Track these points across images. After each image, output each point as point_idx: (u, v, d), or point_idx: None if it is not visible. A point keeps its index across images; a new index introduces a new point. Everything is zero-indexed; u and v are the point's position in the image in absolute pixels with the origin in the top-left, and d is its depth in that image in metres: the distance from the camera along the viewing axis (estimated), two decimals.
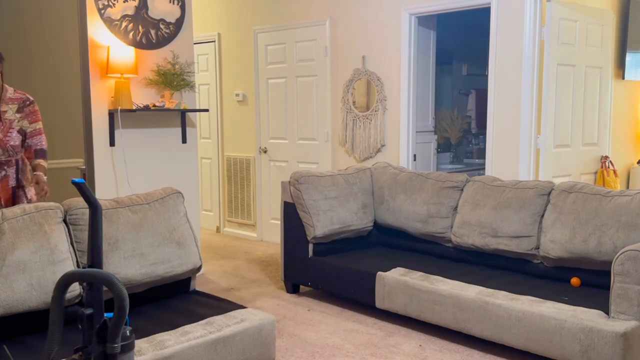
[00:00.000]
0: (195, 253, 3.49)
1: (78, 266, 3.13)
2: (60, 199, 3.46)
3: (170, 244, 3.37)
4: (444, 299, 3.63)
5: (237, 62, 6.70)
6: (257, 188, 6.62)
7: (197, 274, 5.08)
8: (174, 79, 4.79)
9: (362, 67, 5.59)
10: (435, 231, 4.37)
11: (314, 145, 6.07)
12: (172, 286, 3.50)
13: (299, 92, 6.14)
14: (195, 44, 5.24)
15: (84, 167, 4.86)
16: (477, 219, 4.10)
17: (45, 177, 3.68)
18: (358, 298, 4.19)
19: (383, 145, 5.50)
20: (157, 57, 4.79)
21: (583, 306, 3.24)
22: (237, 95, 6.71)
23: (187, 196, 5.05)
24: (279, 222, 4.84)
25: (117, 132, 4.62)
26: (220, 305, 3.28)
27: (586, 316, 3.10)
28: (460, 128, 6.77)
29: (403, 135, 5.35)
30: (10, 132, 3.61)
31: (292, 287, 4.73)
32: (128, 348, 1.80)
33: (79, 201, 3.19)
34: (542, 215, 3.86)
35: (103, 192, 4.59)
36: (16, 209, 2.99)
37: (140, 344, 2.73)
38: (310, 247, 4.51)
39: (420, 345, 3.68)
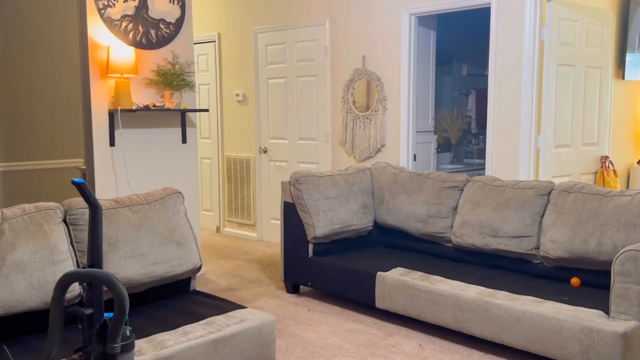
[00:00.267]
0: (195, 253, 3.49)
1: (78, 266, 3.14)
2: (61, 199, 3.47)
3: (170, 244, 3.38)
4: (444, 299, 3.63)
5: (237, 62, 6.70)
6: (257, 188, 6.62)
7: (197, 274, 5.08)
8: (174, 79, 4.79)
9: (362, 67, 5.59)
10: (435, 231, 4.37)
11: (314, 145, 6.07)
12: (172, 286, 3.50)
13: (299, 92, 6.14)
14: (195, 44, 5.24)
15: (84, 167, 4.86)
16: (477, 219, 4.10)
17: None
18: (358, 298, 4.19)
19: (383, 145, 5.50)
20: (157, 57, 4.79)
21: (583, 306, 3.24)
22: (237, 95, 6.71)
23: (187, 196, 5.05)
24: (279, 222, 4.84)
25: (117, 132, 4.62)
26: (220, 305, 3.28)
27: (586, 316, 3.10)
28: (460, 128, 6.77)
29: (403, 135, 5.35)
30: None
31: (292, 287, 4.73)
32: (128, 348, 1.80)
33: (79, 201, 3.19)
34: (542, 215, 3.86)
35: (103, 192, 4.59)
36: (16, 209, 3.00)
37: (140, 344, 2.73)
38: (310, 247, 4.51)
39: (420, 345, 3.68)
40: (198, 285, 4.81)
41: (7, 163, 5.97)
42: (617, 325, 2.99)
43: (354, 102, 5.67)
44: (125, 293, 1.68)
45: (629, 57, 5.61)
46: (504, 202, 4.01)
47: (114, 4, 4.53)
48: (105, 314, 1.82)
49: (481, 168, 6.15)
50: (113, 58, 4.41)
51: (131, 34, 4.63)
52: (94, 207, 1.96)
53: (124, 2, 4.58)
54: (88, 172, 4.70)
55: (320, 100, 5.96)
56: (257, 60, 6.47)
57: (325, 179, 4.62)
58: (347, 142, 5.73)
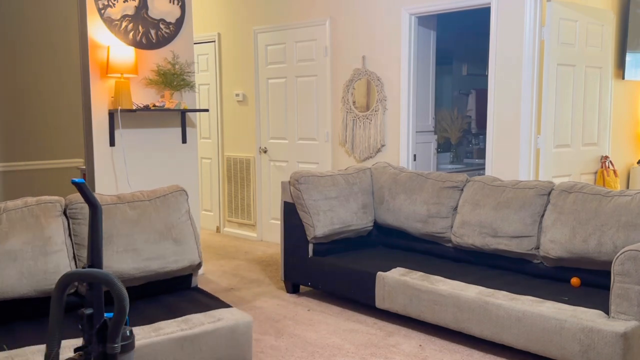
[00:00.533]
0: (194, 250, 3.50)
1: (74, 258, 3.21)
2: None
3: (166, 240, 3.40)
4: (444, 299, 3.63)
5: (237, 62, 6.70)
6: (257, 188, 6.62)
7: (198, 274, 5.08)
8: (174, 79, 4.79)
9: (362, 67, 5.59)
10: (435, 231, 4.37)
11: (314, 145, 6.07)
12: (171, 282, 3.53)
13: (299, 92, 6.14)
14: (195, 44, 5.24)
15: (84, 167, 4.86)
16: (477, 219, 4.10)
17: None
18: (358, 298, 4.19)
19: (383, 145, 5.50)
20: (157, 57, 4.79)
21: (583, 306, 3.24)
22: (237, 95, 6.71)
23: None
24: (279, 222, 4.84)
25: (117, 132, 4.62)
26: (207, 304, 3.27)
27: (586, 316, 3.10)
28: (460, 128, 6.77)
29: (403, 135, 5.35)
30: None
31: (292, 287, 4.73)
32: (128, 348, 1.80)
33: (80, 196, 3.19)
34: (542, 215, 3.86)
35: (103, 192, 4.59)
36: (18, 202, 3.12)
37: None
38: (310, 247, 4.51)
39: (420, 345, 3.68)
40: (198, 285, 4.81)
41: (7, 163, 5.97)
42: (617, 325, 2.99)
43: (354, 102, 5.67)
44: (125, 293, 1.68)
45: (629, 57, 5.61)
46: (504, 202, 4.01)
47: (114, 4, 4.53)
48: (105, 314, 1.82)
49: (481, 168, 6.15)
50: (113, 58, 4.41)
51: (131, 34, 4.63)
52: (94, 207, 1.97)
53: (124, 2, 4.58)
54: (88, 172, 4.70)
55: (320, 100, 5.96)
56: (257, 60, 6.47)
57: (325, 179, 4.62)
58: (347, 142, 5.73)
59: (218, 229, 7.19)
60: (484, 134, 5.07)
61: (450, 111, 6.80)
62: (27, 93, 6.08)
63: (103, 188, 4.61)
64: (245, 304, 4.46)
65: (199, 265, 3.59)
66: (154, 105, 4.68)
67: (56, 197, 3.24)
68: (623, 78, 5.61)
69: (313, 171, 4.71)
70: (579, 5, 4.90)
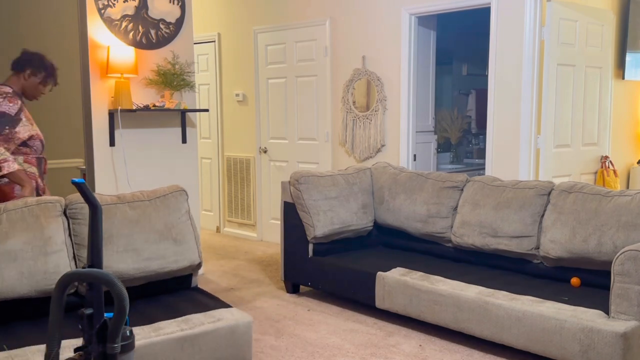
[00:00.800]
0: (194, 250, 3.50)
1: (74, 258, 3.20)
2: None
3: (166, 240, 3.40)
4: (444, 299, 3.63)
5: (237, 62, 6.70)
6: (257, 188, 6.62)
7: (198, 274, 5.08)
8: (174, 79, 4.79)
9: (362, 67, 5.59)
10: (435, 231, 4.37)
11: (314, 145, 6.07)
12: (171, 282, 3.52)
13: (299, 92, 6.14)
14: (195, 44, 5.24)
15: (84, 167, 4.86)
16: (477, 219, 4.10)
17: None
18: (358, 298, 4.19)
19: (383, 145, 5.50)
20: (157, 57, 4.79)
21: (583, 306, 3.23)
22: (237, 95, 6.71)
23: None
24: (279, 222, 4.84)
25: (117, 132, 4.62)
26: (207, 304, 3.28)
27: (586, 316, 3.10)
28: (460, 128, 6.77)
29: (403, 135, 5.35)
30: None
31: (292, 287, 4.73)
32: (128, 348, 1.80)
33: (80, 196, 3.22)
34: (542, 215, 3.86)
35: (103, 192, 4.59)
36: (19, 202, 3.12)
37: None
38: (310, 247, 4.51)
39: (420, 345, 3.68)
40: (198, 285, 4.81)
41: None
42: (617, 325, 2.99)
43: (354, 102, 5.67)
44: (125, 293, 1.68)
45: (629, 57, 5.61)
46: (504, 202, 4.01)
47: (114, 4, 4.53)
48: (105, 314, 1.82)
49: (481, 168, 6.15)
50: (113, 58, 4.41)
51: (131, 34, 4.63)
52: (94, 207, 1.97)
53: (124, 2, 4.58)
54: (88, 172, 4.70)
55: (320, 100, 5.96)
56: (257, 60, 6.47)
57: (325, 179, 4.62)
58: (347, 142, 5.73)
59: (218, 229, 7.19)
60: (484, 134, 5.06)
61: (450, 111, 6.80)
62: None
63: (103, 188, 4.61)
64: (245, 304, 4.46)
65: (199, 266, 3.58)
66: (154, 105, 4.68)
67: (56, 197, 3.24)
68: (623, 78, 5.61)
69: (313, 171, 4.71)
70: (579, 5, 4.90)
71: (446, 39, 6.26)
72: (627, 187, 5.84)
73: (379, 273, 4.01)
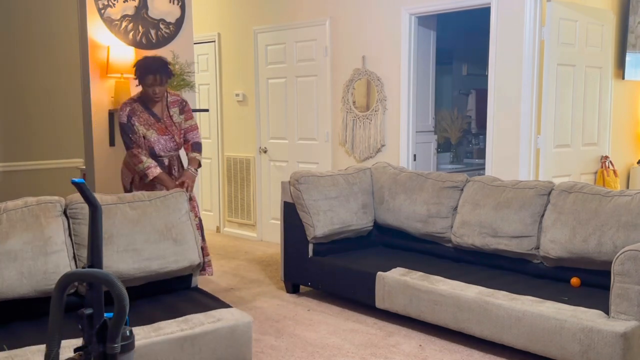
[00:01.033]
0: (194, 250, 3.50)
1: (74, 258, 3.20)
2: None
3: (166, 240, 3.40)
4: (444, 299, 3.63)
5: (237, 62, 6.70)
6: (257, 188, 6.62)
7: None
8: (174, 79, 4.78)
9: (362, 67, 5.59)
10: (435, 231, 4.37)
11: (314, 145, 6.07)
12: (171, 282, 3.52)
13: (299, 92, 6.14)
14: (195, 44, 5.24)
15: (84, 167, 4.86)
16: (477, 219, 4.10)
17: (193, 174, 4.15)
18: (358, 298, 4.19)
19: (383, 145, 5.50)
20: None
21: (583, 306, 3.23)
22: (237, 95, 6.71)
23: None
24: (279, 222, 4.83)
25: (117, 132, 4.62)
26: (207, 304, 3.28)
27: (586, 316, 3.10)
28: (460, 128, 6.77)
29: (403, 135, 5.35)
30: (182, 134, 4.13)
31: (292, 287, 4.73)
32: (128, 348, 1.80)
33: (80, 196, 3.22)
34: (542, 215, 3.86)
35: (103, 192, 4.59)
36: (19, 202, 3.14)
37: None
38: (310, 247, 4.51)
39: (420, 345, 3.68)
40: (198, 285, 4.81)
41: (7, 163, 5.97)
42: (617, 325, 2.99)
43: (354, 102, 5.66)
44: (125, 293, 1.68)
45: (629, 57, 5.60)
46: (504, 202, 4.01)
47: (114, 4, 4.53)
48: (105, 314, 1.82)
49: (481, 168, 6.15)
50: (113, 58, 4.41)
51: (131, 34, 4.63)
52: (94, 207, 1.97)
53: (124, 2, 4.58)
54: (88, 172, 4.70)
55: (320, 100, 5.96)
56: (257, 60, 6.47)
57: (325, 179, 4.62)
58: (347, 142, 5.73)
59: (218, 229, 7.19)
60: (484, 134, 5.06)
61: (450, 111, 6.79)
62: (27, 93, 6.09)
63: (103, 188, 4.60)
64: (245, 304, 4.46)
65: (199, 266, 3.60)
66: None
67: (56, 197, 3.24)
68: (623, 78, 5.61)
69: (313, 171, 4.71)
70: (579, 5, 4.90)
71: (446, 39, 6.26)
72: (627, 187, 5.84)
73: (379, 273, 4.01)
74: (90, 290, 1.82)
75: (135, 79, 3.99)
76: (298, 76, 6.13)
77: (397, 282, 3.89)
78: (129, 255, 3.27)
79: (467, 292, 3.56)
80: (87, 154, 4.67)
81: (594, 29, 5.03)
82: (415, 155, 5.42)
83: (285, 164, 6.35)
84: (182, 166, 4.26)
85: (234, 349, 3.03)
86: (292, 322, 4.10)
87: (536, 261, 3.88)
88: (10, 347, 2.68)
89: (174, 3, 4.86)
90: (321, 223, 4.45)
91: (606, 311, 3.15)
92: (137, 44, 4.66)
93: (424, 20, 5.35)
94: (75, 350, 1.82)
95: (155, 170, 4.00)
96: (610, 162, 5.25)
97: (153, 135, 4.01)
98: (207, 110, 5.45)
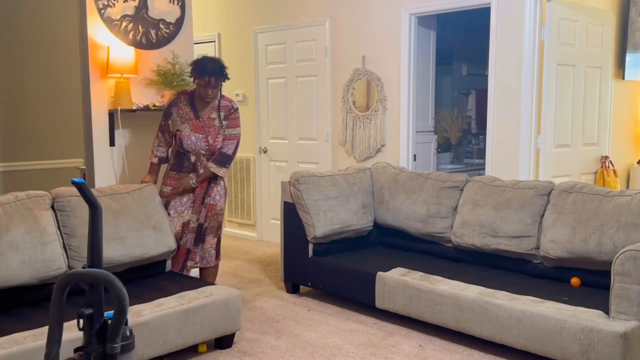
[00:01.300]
0: (169, 237, 3.89)
1: (64, 248, 3.44)
2: None
3: (147, 228, 3.76)
4: (444, 299, 3.63)
5: (237, 62, 6.70)
6: (257, 188, 6.62)
7: (195, 273, 5.08)
8: (174, 79, 4.78)
9: (362, 67, 5.59)
10: (435, 231, 4.37)
11: (314, 145, 6.07)
12: (149, 267, 3.88)
13: (299, 92, 6.14)
14: (195, 44, 5.23)
15: (84, 167, 4.85)
16: (477, 219, 4.10)
17: (190, 184, 4.08)
18: (358, 298, 4.19)
19: (383, 145, 5.50)
20: (157, 57, 4.79)
21: (583, 306, 3.23)
22: (237, 95, 6.71)
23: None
24: (279, 222, 4.83)
25: (117, 132, 4.62)
26: (192, 283, 3.72)
27: (586, 316, 3.10)
28: (460, 128, 6.77)
29: (403, 135, 5.35)
30: (218, 138, 4.09)
31: (292, 287, 4.73)
32: (128, 348, 1.80)
33: (66, 190, 3.54)
34: (542, 215, 3.86)
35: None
36: (9, 196, 3.34)
37: None
38: (310, 247, 4.51)
39: (420, 345, 3.68)
40: None
41: (7, 163, 5.97)
42: (617, 325, 2.99)
43: (354, 102, 5.66)
44: (125, 293, 1.68)
45: (629, 57, 5.60)
46: (504, 202, 4.01)
47: (114, 4, 4.52)
48: (105, 314, 1.82)
49: (481, 168, 6.15)
50: (113, 58, 4.41)
51: (131, 34, 4.62)
52: (94, 207, 1.96)
53: (124, 2, 4.58)
54: (88, 172, 4.70)
55: (320, 100, 5.96)
56: (257, 60, 6.47)
57: (325, 179, 4.62)
58: (347, 142, 5.73)
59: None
60: (484, 134, 5.06)
61: (450, 111, 6.80)
62: (27, 93, 6.08)
63: None
64: (245, 304, 4.46)
65: (174, 251, 3.97)
66: (154, 105, 4.67)
67: (43, 192, 3.46)
68: (623, 78, 5.61)
69: (313, 171, 4.71)
70: (579, 5, 4.90)
71: (446, 39, 6.26)
72: (627, 187, 5.84)
73: (379, 273, 4.01)
74: (90, 290, 1.82)
75: (190, 77, 4.07)
76: (298, 76, 6.13)
77: (397, 282, 3.89)
78: (116, 243, 3.58)
79: (467, 292, 3.56)
80: (87, 154, 4.67)
81: (594, 29, 5.03)
82: (415, 155, 5.42)
83: (285, 164, 6.35)
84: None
85: (227, 318, 3.54)
86: (292, 322, 4.10)
87: (536, 261, 3.88)
88: (26, 329, 2.91)
89: (174, 3, 4.86)
90: (321, 223, 4.45)
91: (606, 311, 3.15)
92: (137, 44, 4.66)
93: (424, 20, 5.35)
94: (75, 350, 1.82)
95: (153, 160, 4.20)
96: (610, 162, 5.25)
97: (186, 129, 4.03)
98: None
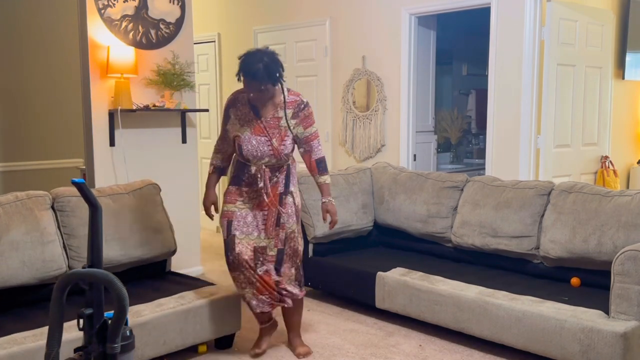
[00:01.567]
0: (170, 238, 3.87)
1: (64, 248, 3.43)
2: None
3: (147, 229, 3.75)
4: (444, 299, 3.63)
5: (237, 62, 6.68)
6: None
7: (197, 274, 5.08)
8: (174, 79, 4.79)
9: (362, 67, 5.59)
10: (435, 231, 4.37)
11: None
12: (149, 268, 3.87)
13: (299, 92, 6.13)
14: (195, 44, 5.24)
15: (84, 167, 4.85)
16: (477, 219, 4.10)
17: (334, 205, 3.58)
18: (358, 298, 4.19)
19: (383, 145, 5.50)
20: (157, 57, 4.79)
21: (583, 306, 3.23)
22: None
23: (187, 196, 5.05)
24: None
25: (117, 132, 4.62)
26: (192, 283, 3.73)
27: (586, 316, 3.10)
28: (460, 128, 6.77)
29: (403, 135, 5.35)
30: (285, 140, 3.38)
31: None
32: (128, 348, 1.80)
33: (66, 190, 3.53)
34: (542, 215, 3.86)
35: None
36: (9, 196, 3.32)
37: None
38: (310, 247, 4.51)
39: (420, 345, 3.68)
40: None
41: (7, 163, 5.97)
42: (617, 325, 2.99)
43: (354, 102, 5.66)
44: (125, 293, 1.68)
45: (629, 57, 5.61)
46: (504, 202, 4.01)
47: (114, 4, 4.52)
48: (105, 314, 1.82)
49: (481, 168, 6.15)
50: (113, 58, 4.41)
51: (131, 34, 4.62)
52: (94, 207, 1.97)
53: (124, 2, 4.58)
54: (88, 172, 4.70)
55: (320, 100, 5.96)
56: None
57: None
58: (347, 142, 5.73)
59: (218, 229, 7.18)
60: (484, 134, 5.06)
61: (450, 111, 6.79)
62: (27, 93, 6.08)
63: None
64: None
65: (174, 251, 3.93)
66: (154, 105, 4.67)
67: (43, 192, 3.44)
68: (623, 78, 5.61)
69: None
70: (579, 5, 4.90)
71: (446, 39, 6.26)
72: (627, 187, 5.84)
73: (379, 273, 4.01)
74: (90, 290, 1.82)
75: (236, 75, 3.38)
76: (298, 76, 6.13)
77: (397, 282, 3.89)
78: (116, 243, 3.57)
79: (467, 292, 3.56)
80: (87, 154, 4.67)
81: (594, 29, 5.03)
82: (415, 155, 5.42)
83: None
84: (277, 182, 3.43)
85: (227, 318, 3.54)
86: None
87: (536, 261, 3.88)
88: (26, 329, 2.91)
89: (174, 3, 4.86)
90: (321, 223, 4.44)
91: (606, 311, 3.15)
92: (137, 44, 4.66)
93: (424, 20, 5.35)
94: (75, 350, 1.82)
95: (209, 169, 3.58)
96: (610, 162, 5.25)
97: (246, 133, 3.32)
98: (207, 110, 5.45)
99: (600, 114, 5.22)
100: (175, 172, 4.99)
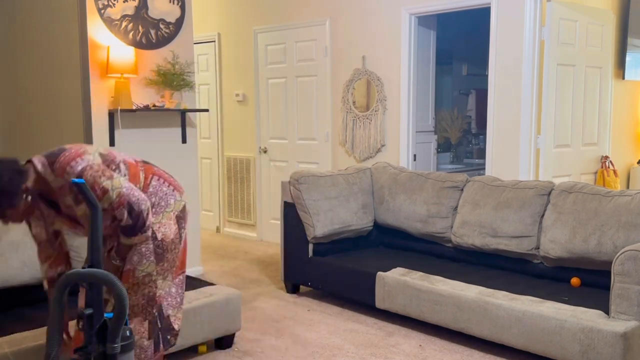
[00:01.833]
0: None
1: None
2: None
3: None
4: (444, 299, 3.63)
5: (237, 62, 6.70)
6: (257, 188, 6.62)
7: (197, 274, 5.08)
8: (174, 79, 4.79)
9: (362, 67, 5.59)
10: (435, 231, 4.37)
11: (314, 145, 6.07)
12: None
13: (299, 92, 6.14)
14: (195, 44, 5.24)
15: None
16: (477, 219, 4.10)
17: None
18: (358, 298, 4.19)
19: (383, 145, 5.50)
20: (157, 57, 4.79)
21: (583, 306, 3.23)
22: (237, 95, 6.71)
23: (187, 196, 5.04)
24: (279, 222, 4.84)
25: (117, 132, 4.62)
26: (192, 284, 3.72)
27: (586, 316, 3.10)
28: (460, 128, 6.77)
29: (403, 135, 5.35)
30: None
31: (292, 287, 4.73)
32: (128, 348, 1.80)
33: None
34: (542, 215, 3.86)
35: None
36: None
37: None
38: (310, 247, 4.51)
39: (420, 345, 3.68)
40: None
41: None
42: (617, 325, 2.99)
43: (354, 102, 5.66)
44: (125, 293, 1.68)
45: (629, 57, 5.60)
46: (504, 202, 4.01)
47: (114, 4, 4.52)
48: (105, 314, 1.82)
49: (481, 168, 6.15)
50: (113, 58, 4.41)
51: (131, 34, 4.62)
52: (94, 208, 1.97)
53: (124, 2, 4.58)
54: None
55: (320, 100, 5.96)
56: (257, 60, 6.47)
57: (325, 179, 4.62)
58: (347, 142, 5.73)
59: (218, 229, 7.19)
60: (484, 134, 5.07)
61: (450, 111, 6.79)
62: (27, 93, 6.08)
63: None
64: (245, 304, 4.46)
65: None
66: (154, 105, 4.68)
67: None
68: (623, 78, 5.61)
69: (313, 171, 4.71)
70: (579, 5, 4.90)
71: (446, 39, 6.27)
72: (627, 187, 5.84)
73: (379, 273, 4.01)
74: (90, 290, 1.82)
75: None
76: (298, 76, 6.13)
77: (397, 282, 3.89)
78: None
79: (467, 292, 3.56)
80: None
81: (594, 29, 5.03)
82: (415, 155, 5.42)
83: (285, 164, 6.35)
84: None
85: (228, 319, 3.56)
86: (292, 322, 4.10)
87: (536, 261, 3.88)
88: (26, 329, 2.92)
89: (174, 3, 4.86)
90: (321, 223, 4.45)
91: (606, 311, 3.15)
92: (137, 44, 4.66)
93: (424, 20, 5.35)
94: (75, 350, 1.82)
95: None
96: (610, 162, 5.25)
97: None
98: (207, 110, 5.45)
99: (600, 114, 5.22)
100: (175, 172, 4.99)
